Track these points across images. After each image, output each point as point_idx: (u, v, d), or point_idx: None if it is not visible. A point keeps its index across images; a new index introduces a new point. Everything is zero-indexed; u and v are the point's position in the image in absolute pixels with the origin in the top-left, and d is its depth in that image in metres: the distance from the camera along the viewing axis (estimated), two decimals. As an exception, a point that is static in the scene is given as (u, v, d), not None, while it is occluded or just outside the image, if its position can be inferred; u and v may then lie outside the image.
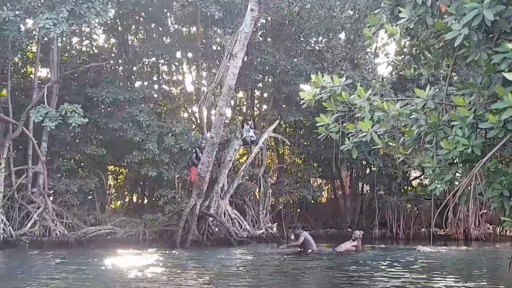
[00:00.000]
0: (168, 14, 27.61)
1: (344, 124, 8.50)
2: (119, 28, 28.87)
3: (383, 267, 16.45)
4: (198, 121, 29.57)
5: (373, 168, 29.81)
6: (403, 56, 9.03)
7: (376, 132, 8.02)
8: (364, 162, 29.20)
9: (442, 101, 7.74)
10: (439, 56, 8.49)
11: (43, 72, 27.60)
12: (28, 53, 27.41)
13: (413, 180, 31.91)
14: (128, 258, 18.82)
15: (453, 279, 13.72)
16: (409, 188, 30.68)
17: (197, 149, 24.04)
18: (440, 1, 7.15)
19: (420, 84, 24.51)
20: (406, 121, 8.21)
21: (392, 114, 7.95)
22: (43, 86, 24.12)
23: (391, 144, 8.71)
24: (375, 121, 8.15)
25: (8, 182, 23.36)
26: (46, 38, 21.40)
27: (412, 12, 7.57)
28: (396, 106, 8.01)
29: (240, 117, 32.57)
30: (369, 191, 31.92)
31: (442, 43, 8.15)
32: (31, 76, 26.96)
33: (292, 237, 21.38)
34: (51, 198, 24.84)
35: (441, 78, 23.49)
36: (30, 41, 25.01)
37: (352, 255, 19.73)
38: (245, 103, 32.41)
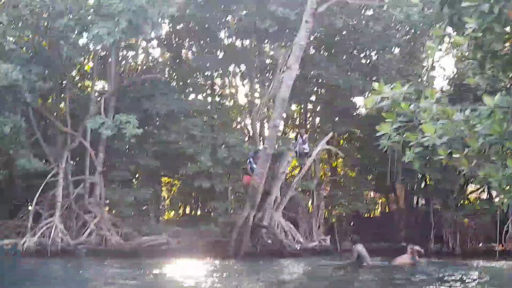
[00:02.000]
0: (222, 28, 27.89)
1: (405, 134, 8.30)
2: (173, 42, 29.28)
3: (438, 281, 16.06)
4: (251, 134, 29.66)
5: (428, 182, 29.24)
6: (466, 63, 8.83)
7: (439, 139, 7.81)
8: (419, 176, 28.66)
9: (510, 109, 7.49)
10: (505, 61, 8.24)
11: (99, 85, 28.21)
12: (85, 67, 28.09)
13: (470, 193, 31.14)
14: (183, 268, 18.95)
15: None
16: (466, 202, 29.94)
17: (251, 158, 24.08)
18: (507, 8, 6.96)
19: (478, 96, 23.97)
20: (470, 131, 7.97)
21: (457, 122, 7.72)
22: (99, 98, 24.73)
23: (454, 155, 8.46)
24: (437, 129, 7.95)
25: (66, 192, 23.92)
26: (99, 48, 21.88)
27: (479, 21, 7.37)
28: (461, 114, 7.79)
29: (292, 130, 32.53)
30: (424, 205, 31.29)
31: (508, 48, 7.92)
32: (88, 89, 27.65)
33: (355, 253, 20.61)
34: (107, 208, 25.25)
35: (502, 89, 22.90)
36: (87, 55, 25.65)
37: (407, 268, 19.34)
38: (298, 115, 32.36)
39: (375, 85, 8.43)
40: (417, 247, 21.09)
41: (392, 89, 8.29)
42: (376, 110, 8.42)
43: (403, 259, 20.41)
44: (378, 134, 8.37)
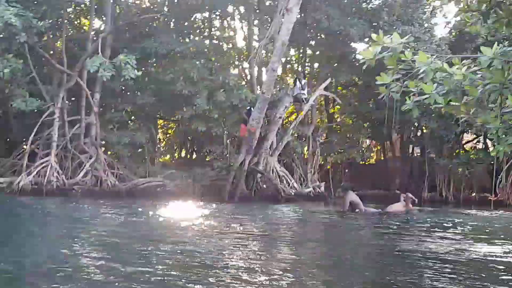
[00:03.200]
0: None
1: (405, 83, 8.17)
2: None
3: (431, 229, 16.19)
4: (249, 78, 29.42)
5: (425, 130, 29.23)
6: (470, 14, 8.60)
7: (438, 94, 7.69)
8: (415, 124, 28.61)
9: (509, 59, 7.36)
10: (510, 13, 8.05)
11: (96, 24, 27.79)
12: (81, 5, 27.56)
13: (465, 143, 31.17)
14: (178, 210, 19.06)
15: (500, 244, 13.38)
16: (461, 152, 29.99)
17: (251, 107, 23.95)
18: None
19: (478, 45, 23.78)
20: (470, 80, 7.85)
21: (456, 78, 7.60)
22: (96, 37, 24.37)
23: (453, 103, 8.37)
24: (437, 80, 7.83)
25: (61, 132, 23.84)
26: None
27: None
28: (461, 68, 7.65)
29: (291, 75, 32.27)
30: (419, 154, 31.39)
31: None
32: (85, 27, 27.21)
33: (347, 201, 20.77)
34: (103, 149, 25.21)
35: (502, 40, 22.64)
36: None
37: (400, 216, 19.48)
38: (296, 60, 32.04)
39: (374, 36, 8.24)
40: (410, 195, 21.24)
41: (391, 39, 8.13)
42: (375, 62, 8.25)
43: (397, 207, 20.57)
44: (377, 83, 8.25)
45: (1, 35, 21.09)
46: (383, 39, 8.16)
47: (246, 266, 9.40)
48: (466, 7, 8.73)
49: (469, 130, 27.42)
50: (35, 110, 22.68)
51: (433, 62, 7.80)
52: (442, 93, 8.06)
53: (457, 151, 29.63)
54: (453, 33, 27.42)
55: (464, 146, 31.05)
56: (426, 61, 7.67)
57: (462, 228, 16.73)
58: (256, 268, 9.15)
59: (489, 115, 7.64)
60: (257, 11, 27.99)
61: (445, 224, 17.41)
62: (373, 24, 26.28)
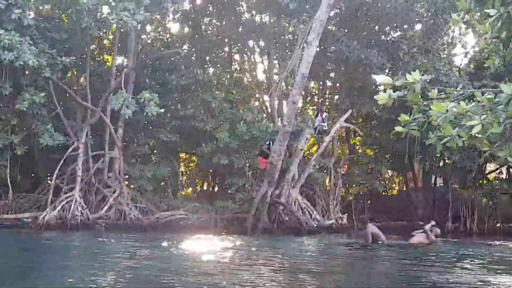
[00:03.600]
0: (241, 3, 27.76)
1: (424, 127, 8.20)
2: (193, 17, 29.13)
3: (455, 260, 16.04)
4: (269, 110, 29.63)
5: (447, 161, 29.06)
6: (491, 41, 8.68)
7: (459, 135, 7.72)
8: (438, 155, 28.47)
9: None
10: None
11: (119, 60, 28.25)
12: (105, 41, 28.13)
13: (488, 173, 30.92)
14: (200, 243, 19.11)
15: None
16: (485, 182, 29.74)
17: (271, 141, 24.09)
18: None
19: (496, 75, 23.93)
20: (491, 116, 7.89)
21: (473, 125, 7.63)
22: (119, 73, 24.81)
23: (476, 135, 8.39)
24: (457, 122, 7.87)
25: (85, 166, 24.13)
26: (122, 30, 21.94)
27: (501, 9, 7.26)
28: (480, 115, 7.67)
29: (311, 107, 32.44)
30: (442, 184, 31.15)
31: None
32: (108, 63, 27.71)
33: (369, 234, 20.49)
34: (126, 183, 25.43)
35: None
36: (106, 30, 25.67)
37: (425, 247, 19.29)
38: (316, 92, 32.23)
39: (382, 79, 8.26)
40: (433, 224, 20.92)
41: (407, 79, 8.18)
42: (391, 103, 8.29)
43: (420, 238, 20.32)
44: (398, 119, 8.27)
45: (27, 72, 21.66)
46: (394, 80, 8.20)
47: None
48: (485, 33, 8.79)
49: (492, 160, 27.23)
50: (60, 146, 23.02)
51: (449, 110, 7.82)
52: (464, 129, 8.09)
53: (480, 181, 29.39)
54: (472, 64, 27.46)
55: (488, 176, 30.80)
56: (442, 110, 7.71)
57: (487, 259, 16.56)
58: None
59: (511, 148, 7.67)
60: (277, 44, 28.32)
61: (470, 256, 17.24)
62: (393, 55, 26.44)
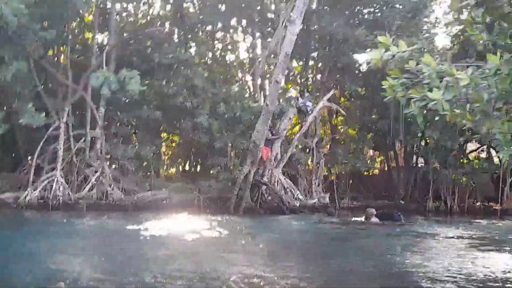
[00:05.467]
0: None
1: (409, 91, 8.22)
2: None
3: (437, 238, 16.23)
4: (251, 89, 29.53)
5: (428, 141, 29.24)
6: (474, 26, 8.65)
7: (444, 95, 7.73)
8: (419, 134, 28.62)
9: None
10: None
11: (100, 38, 27.89)
12: (85, 18, 27.71)
13: (469, 153, 31.15)
14: (184, 223, 19.08)
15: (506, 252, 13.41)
16: (465, 162, 29.97)
17: (271, 131, 24.09)
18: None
19: (479, 52, 23.90)
20: (476, 88, 7.90)
21: (462, 83, 7.64)
22: (98, 51, 24.52)
23: (457, 111, 8.42)
24: (443, 87, 7.88)
25: (67, 146, 23.91)
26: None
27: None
28: (467, 72, 7.70)
29: (294, 87, 32.35)
30: (423, 164, 31.35)
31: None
32: (89, 42, 27.36)
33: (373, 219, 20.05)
34: (108, 162, 25.27)
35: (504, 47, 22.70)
36: (88, 7, 25.26)
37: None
38: (299, 72, 32.14)
39: (380, 38, 8.25)
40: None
41: (397, 46, 8.17)
42: (382, 64, 8.26)
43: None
44: (383, 87, 8.26)
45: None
46: (389, 43, 8.20)
47: (254, 274, 9.43)
48: (471, 19, 8.77)
49: (473, 140, 27.44)
50: (40, 125, 22.74)
51: (439, 64, 7.84)
52: (448, 99, 8.10)
53: (461, 161, 29.59)
54: (455, 43, 27.46)
55: (468, 155, 31.04)
56: (432, 64, 7.68)
57: (468, 238, 16.78)
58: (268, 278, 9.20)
59: (494, 122, 7.69)
60: (259, 23, 28.13)
61: (450, 234, 17.46)
62: (377, 34, 26.36)
